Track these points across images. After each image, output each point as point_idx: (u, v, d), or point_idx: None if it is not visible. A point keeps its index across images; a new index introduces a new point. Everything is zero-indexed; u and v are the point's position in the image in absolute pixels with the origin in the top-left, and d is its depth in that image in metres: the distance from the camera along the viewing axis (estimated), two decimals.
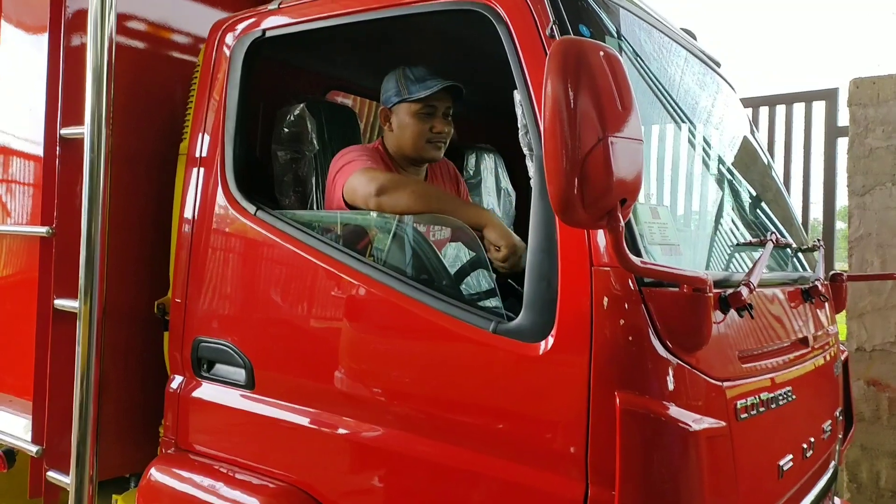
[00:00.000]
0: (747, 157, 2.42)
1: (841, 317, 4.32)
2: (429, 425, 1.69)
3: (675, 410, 1.43)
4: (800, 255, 2.37)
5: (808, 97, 4.42)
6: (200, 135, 2.24)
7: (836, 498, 2.59)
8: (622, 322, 1.44)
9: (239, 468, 2.01)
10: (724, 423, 1.50)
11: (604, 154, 1.18)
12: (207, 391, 2.11)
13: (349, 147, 2.25)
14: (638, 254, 1.45)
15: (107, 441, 2.27)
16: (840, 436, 2.43)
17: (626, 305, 1.45)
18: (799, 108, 4.47)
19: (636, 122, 1.22)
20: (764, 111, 4.60)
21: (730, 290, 1.55)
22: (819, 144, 4.38)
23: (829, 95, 4.34)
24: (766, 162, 2.58)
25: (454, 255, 2.12)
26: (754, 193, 2.36)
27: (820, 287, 2.11)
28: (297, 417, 1.91)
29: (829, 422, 2.15)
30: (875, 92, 3.96)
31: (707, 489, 1.43)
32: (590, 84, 1.18)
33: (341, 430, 1.82)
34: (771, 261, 2.18)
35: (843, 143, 4.23)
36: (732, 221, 2.06)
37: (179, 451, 2.14)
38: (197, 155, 2.24)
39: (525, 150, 1.64)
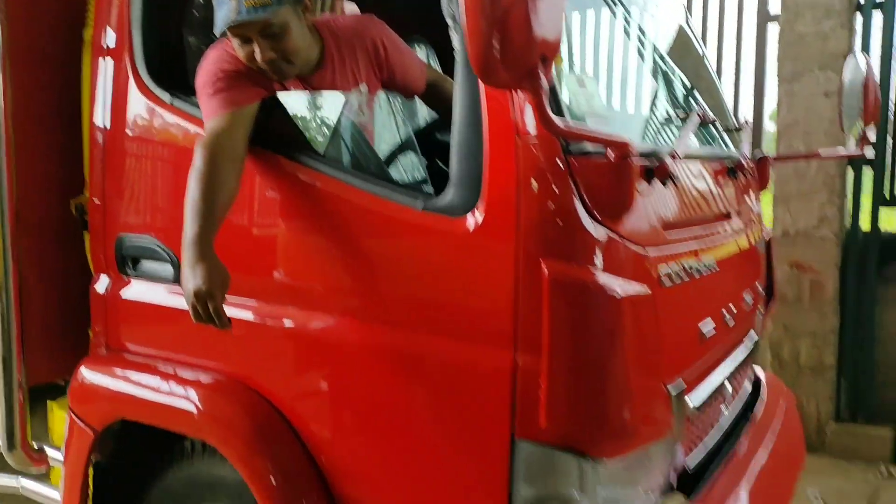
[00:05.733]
0: (680, 42, 2.39)
1: (767, 202, 4.48)
2: (363, 309, 1.68)
3: (601, 277, 1.45)
4: (726, 136, 2.41)
5: None
6: (106, 21, 2.08)
7: (757, 367, 2.75)
8: (548, 191, 1.44)
9: (175, 364, 1.98)
10: (648, 290, 1.54)
11: (524, 9, 1.13)
12: (135, 290, 2.06)
13: (208, 59, 1.82)
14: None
15: (34, 348, 2.23)
16: (761, 309, 2.56)
17: (552, 174, 1.44)
18: None
19: None
20: None
21: (654, 160, 1.56)
22: (752, 31, 4.40)
23: None
24: (697, 46, 2.57)
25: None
26: (684, 76, 2.35)
27: (745, 164, 2.15)
28: (230, 310, 1.88)
29: (751, 294, 2.24)
30: None
31: (632, 352, 1.48)
32: None
33: (274, 321, 1.81)
34: (699, 139, 2.21)
35: (774, 30, 4.25)
36: (661, 102, 2.06)
37: (111, 350, 2.10)
38: (103, 44, 2.09)
39: (449, 21, 1.57)
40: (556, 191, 1.44)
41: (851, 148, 2.78)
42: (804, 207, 4.08)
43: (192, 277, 1.54)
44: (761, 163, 2.65)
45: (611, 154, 1.43)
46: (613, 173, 1.44)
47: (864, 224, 4.10)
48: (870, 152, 4.05)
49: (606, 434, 1.48)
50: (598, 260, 1.47)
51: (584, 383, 1.45)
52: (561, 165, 1.44)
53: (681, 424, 1.72)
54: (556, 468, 1.49)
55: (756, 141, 4.47)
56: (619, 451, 1.53)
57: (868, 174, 4.10)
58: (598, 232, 1.46)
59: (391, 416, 1.65)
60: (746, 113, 4.48)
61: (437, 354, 1.58)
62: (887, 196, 4.09)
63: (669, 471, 1.73)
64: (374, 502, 1.68)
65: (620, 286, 1.47)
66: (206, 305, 1.53)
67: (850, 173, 4.10)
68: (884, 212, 4.10)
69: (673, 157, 1.58)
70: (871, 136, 2.58)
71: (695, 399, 1.82)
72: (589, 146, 1.47)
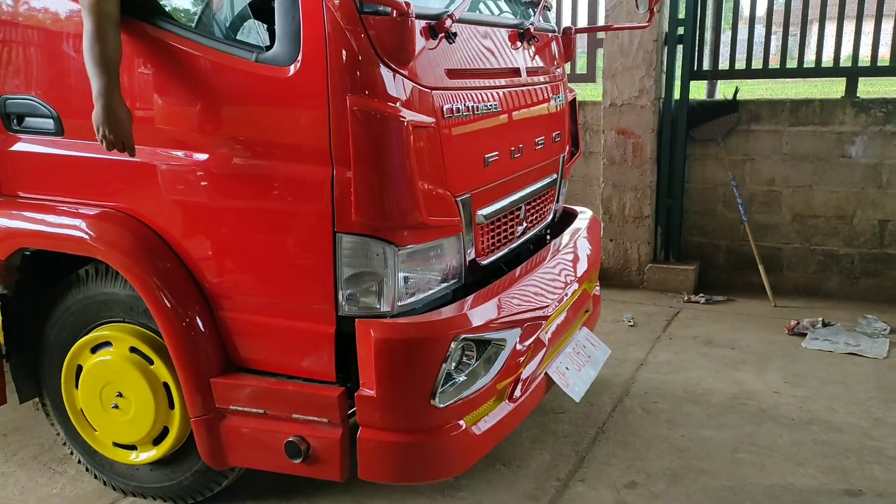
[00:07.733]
0: None
1: (599, 77, 5.08)
2: (216, 142, 2.12)
3: (391, 108, 1.96)
4: (533, 11, 2.91)
5: None
6: None
7: (581, 208, 3.40)
8: (347, 43, 1.91)
9: (64, 204, 2.37)
10: (432, 119, 2.06)
11: None
12: (22, 144, 2.40)
13: None
14: None
15: None
16: (564, 156, 3.16)
17: (350, 30, 1.91)
18: None
19: None
20: None
21: (433, 20, 2.05)
22: None
23: None
24: None
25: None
26: None
27: (532, 31, 2.66)
28: (104, 154, 2.26)
29: (542, 138, 2.82)
30: None
31: (416, 165, 2.00)
32: None
33: (144, 160, 2.22)
34: (501, 10, 2.70)
35: None
36: None
37: (5, 197, 2.46)
38: None
39: None
40: (353, 42, 1.91)
41: (642, 22, 3.38)
42: (627, 81, 4.71)
43: (108, 121, 2.01)
44: (565, 34, 3.20)
45: (393, 13, 1.91)
46: (395, 26, 1.92)
47: (677, 94, 4.79)
48: (680, 31, 4.70)
49: (400, 226, 2.03)
50: (390, 96, 1.97)
51: (381, 187, 1.98)
52: (357, 21, 1.91)
53: (469, 228, 2.30)
54: (367, 252, 2.04)
55: (592, 20, 5.04)
56: (413, 241, 2.09)
57: (681, 51, 4.76)
58: (387, 73, 1.96)
59: (244, 225, 2.14)
60: None
61: (276, 173, 2.06)
62: (696, 69, 4.78)
63: (461, 263, 2.32)
64: (234, 293, 2.20)
65: (407, 114, 1.98)
66: (121, 141, 2.04)
67: (666, 50, 4.74)
68: (693, 84, 4.81)
69: (451, 18, 2.07)
70: (658, 13, 3.16)
71: (486, 211, 2.40)
72: (379, 7, 1.93)
